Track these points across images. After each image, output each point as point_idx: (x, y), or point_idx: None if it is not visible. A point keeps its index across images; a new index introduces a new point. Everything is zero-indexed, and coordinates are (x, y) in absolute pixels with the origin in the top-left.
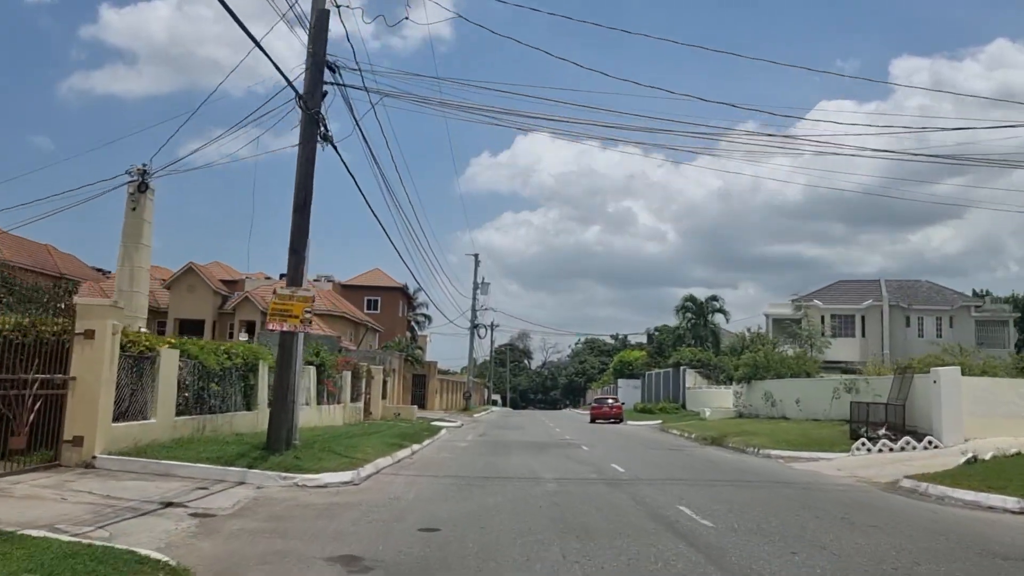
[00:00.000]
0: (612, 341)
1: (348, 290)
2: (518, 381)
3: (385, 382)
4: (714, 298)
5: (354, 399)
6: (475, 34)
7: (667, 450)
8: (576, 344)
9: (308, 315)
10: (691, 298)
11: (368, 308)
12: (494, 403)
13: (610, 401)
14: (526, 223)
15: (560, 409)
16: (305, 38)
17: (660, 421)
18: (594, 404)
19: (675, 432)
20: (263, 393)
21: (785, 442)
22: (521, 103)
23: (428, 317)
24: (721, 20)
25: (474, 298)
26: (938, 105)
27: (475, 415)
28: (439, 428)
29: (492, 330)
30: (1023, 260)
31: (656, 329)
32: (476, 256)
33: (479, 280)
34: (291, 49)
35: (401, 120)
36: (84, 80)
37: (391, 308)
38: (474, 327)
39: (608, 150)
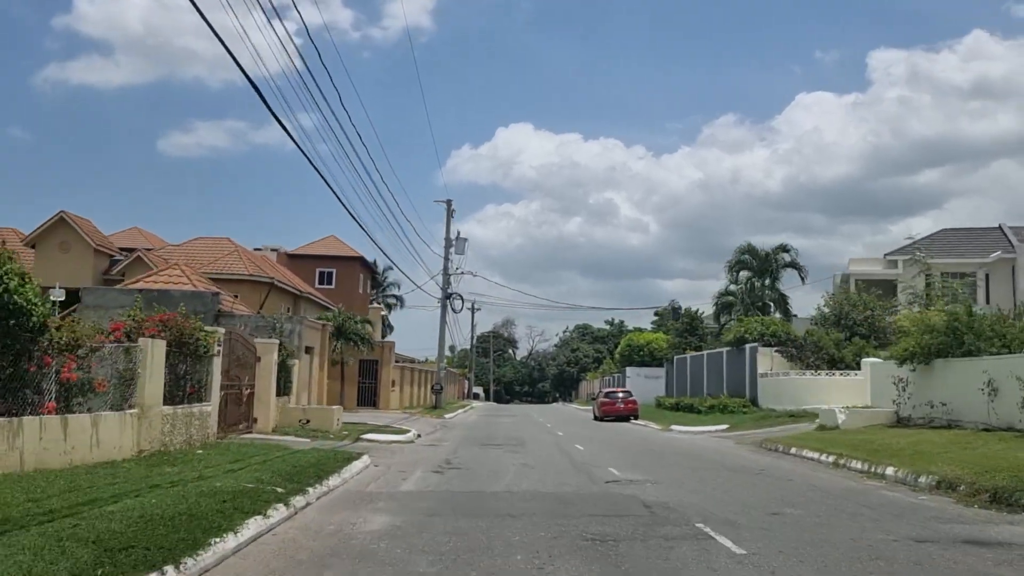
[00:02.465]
0: (608, 327)
1: (296, 260)
2: (502, 372)
3: (287, 367)
4: (784, 248)
5: (195, 398)
6: (456, 24)
7: (985, 545)
8: (564, 332)
9: None
10: (750, 249)
11: (321, 282)
12: (476, 397)
13: (621, 395)
14: (508, 215)
15: (549, 403)
16: None
17: (726, 426)
18: (604, 398)
19: (814, 456)
20: None
21: None
22: (504, 93)
23: (400, 299)
24: (706, 10)
25: (446, 257)
26: (918, 97)
27: (448, 415)
28: (355, 456)
29: (474, 313)
30: None
31: (674, 308)
32: (449, 203)
33: (453, 235)
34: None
35: (383, 106)
36: (60, 71)
37: (349, 282)
38: (447, 297)
39: (589, 141)
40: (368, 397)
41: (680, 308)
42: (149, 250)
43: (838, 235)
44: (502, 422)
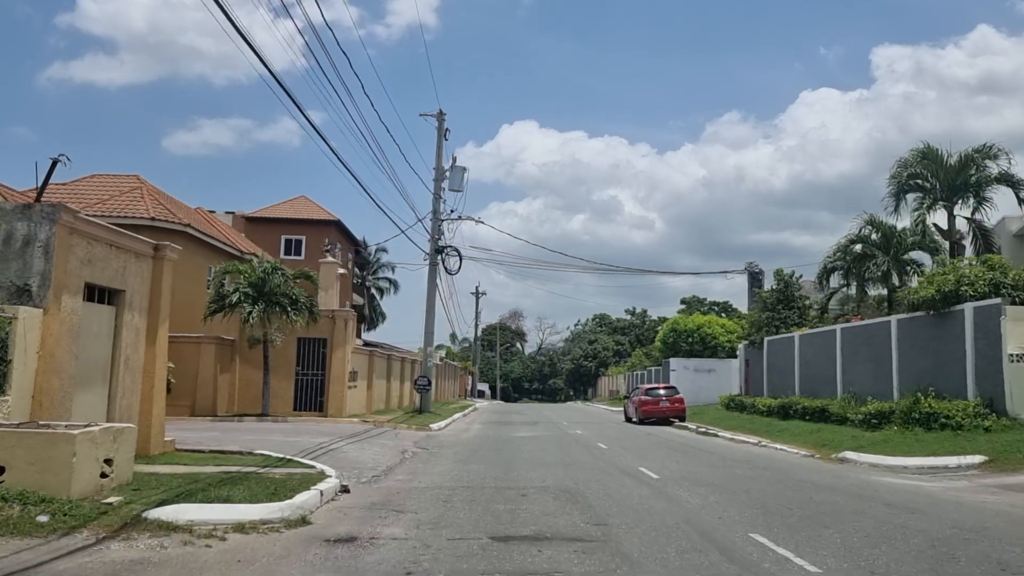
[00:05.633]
0: (629, 316)
1: (257, 225)
2: (510, 368)
3: None
4: (989, 151)
5: None
6: (461, 22)
7: None
8: (577, 325)
9: None
10: (928, 153)
11: (289, 252)
12: (480, 395)
13: (663, 391)
14: (511, 213)
15: (562, 401)
16: None
17: (980, 458)
18: (644, 396)
19: None
20: None
21: None
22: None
23: (393, 283)
24: (709, 8)
25: (436, 195)
26: (923, 93)
27: (436, 424)
28: None
29: (478, 298)
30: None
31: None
32: (440, 116)
33: (446, 163)
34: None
35: (381, 106)
36: (63, 70)
37: (321, 253)
38: (439, 251)
39: (593, 139)
40: (312, 397)
41: (760, 271)
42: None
43: (843, 232)
44: (520, 437)
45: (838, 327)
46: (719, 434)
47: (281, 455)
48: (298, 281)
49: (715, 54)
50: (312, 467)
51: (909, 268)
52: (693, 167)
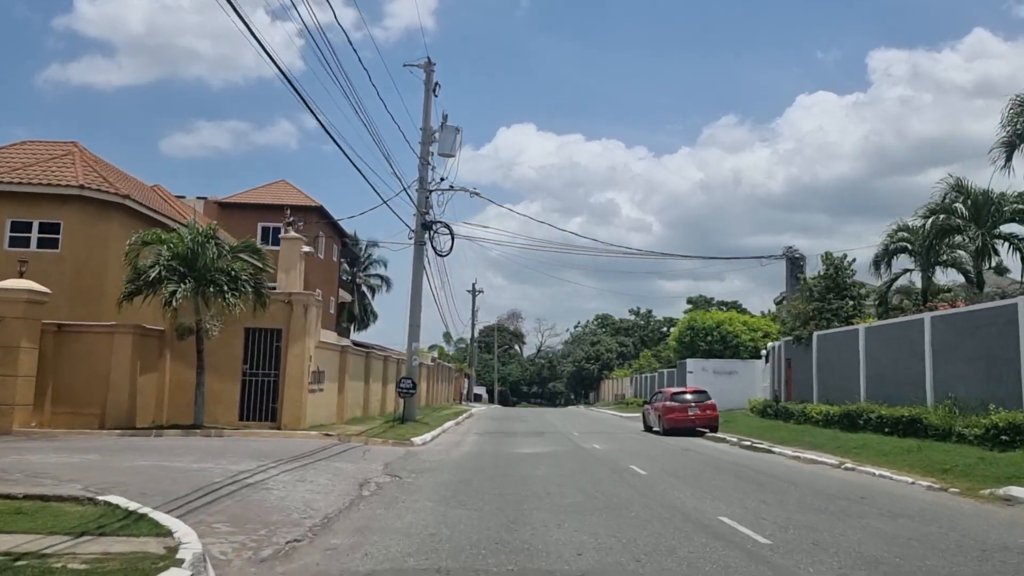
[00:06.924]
0: (633, 317)
1: (230, 212)
2: (508, 370)
3: None
4: None
5: None
6: (458, 25)
7: None
8: (577, 327)
9: None
10: None
11: (266, 241)
12: (477, 398)
13: (690, 396)
14: (509, 216)
15: (562, 405)
16: None
17: None
18: (670, 402)
19: None
20: None
21: None
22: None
23: (385, 280)
24: (706, 11)
25: (423, 161)
26: (919, 96)
27: (420, 438)
28: None
29: (475, 296)
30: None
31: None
32: (428, 65)
33: (436, 123)
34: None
35: (379, 109)
36: (61, 71)
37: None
38: (427, 227)
39: (591, 141)
40: (264, 403)
41: (801, 256)
42: None
43: (841, 235)
44: (526, 456)
45: (926, 316)
46: (773, 450)
47: (137, 505)
48: (241, 254)
49: (713, 55)
50: (168, 534)
51: (1004, 243)
52: (690, 170)
